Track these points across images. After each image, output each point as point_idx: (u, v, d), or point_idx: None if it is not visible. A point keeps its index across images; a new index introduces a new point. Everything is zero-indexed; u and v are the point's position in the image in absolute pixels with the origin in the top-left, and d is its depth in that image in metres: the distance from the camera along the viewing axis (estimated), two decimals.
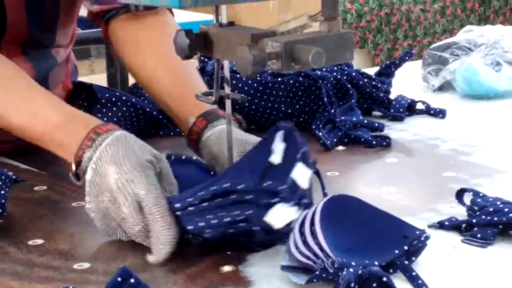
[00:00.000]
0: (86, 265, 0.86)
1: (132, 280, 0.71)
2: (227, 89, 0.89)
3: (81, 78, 1.42)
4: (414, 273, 0.80)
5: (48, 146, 0.98)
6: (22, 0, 1.16)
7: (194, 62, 1.22)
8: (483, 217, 0.91)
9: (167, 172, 0.93)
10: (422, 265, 0.84)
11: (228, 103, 0.89)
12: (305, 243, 0.79)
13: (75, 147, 0.93)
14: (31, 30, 1.19)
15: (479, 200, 0.95)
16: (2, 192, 0.97)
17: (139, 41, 1.20)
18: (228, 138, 0.93)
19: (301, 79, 1.34)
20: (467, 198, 0.98)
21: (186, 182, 0.93)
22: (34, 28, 1.19)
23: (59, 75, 1.29)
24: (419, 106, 1.45)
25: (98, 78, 1.42)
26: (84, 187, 0.92)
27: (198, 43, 0.86)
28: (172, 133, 1.36)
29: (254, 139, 1.01)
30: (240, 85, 1.31)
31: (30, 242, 0.93)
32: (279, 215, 0.83)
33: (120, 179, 0.88)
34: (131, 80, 1.61)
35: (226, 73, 0.89)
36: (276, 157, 0.85)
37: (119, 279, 0.71)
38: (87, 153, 0.92)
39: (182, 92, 1.13)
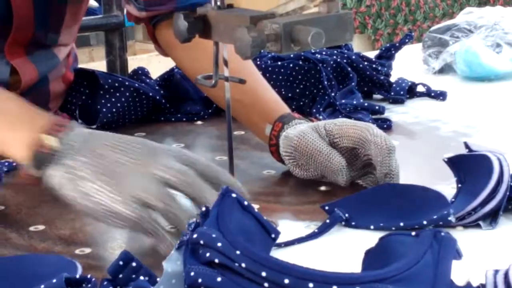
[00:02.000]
0: (87, 250, 0.86)
1: (133, 264, 0.71)
2: (226, 72, 0.89)
3: (81, 66, 1.41)
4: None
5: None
6: (30, 2, 1.14)
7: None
8: None
9: None
10: None
11: (227, 86, 0.89)
12: None
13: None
14: (36, 31, 1.18)
15: None
16: None
17: (189, 45, 0.98)
18: (228, 127, 0.92)
19: (300, 62, 1.34)
20: None
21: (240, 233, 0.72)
22: (39, 29, 1.18)
23: (59, 70, 1.29)
24: (420, 88, 1.45)
25: (98, 65, 1.42)
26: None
27: (197, 26, 0.86)
28: (173, 119, 1.35)
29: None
30: None
31: (32, 228, 0.92)
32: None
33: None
34: (131, 67, 1.61)
35: (225, 55, 0.88)
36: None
37: (120, 263, 0.71)
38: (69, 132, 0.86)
39: (252, 99, 1.10)
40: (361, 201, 0.92)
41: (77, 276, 0.69)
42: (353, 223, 0.89)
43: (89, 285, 0.67)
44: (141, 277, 0.69)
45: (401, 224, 0.86)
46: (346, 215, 0.89)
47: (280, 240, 0.81)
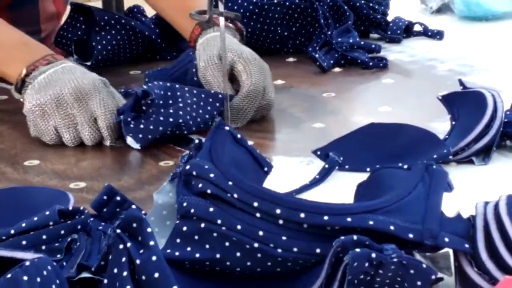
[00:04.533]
0: (82, 184, 0.86)
1: (118, 198, 0.71)
2: (221, 7, 0.88)
3: None
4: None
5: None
6: None
7: None
8: None
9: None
10: None
11: (221, 20, 0.88)
12: None
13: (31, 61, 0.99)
14: None
15: None
16: None
17: None
18: (224, 64, 0.91)
19: (297, 1, 1.32)
20: None
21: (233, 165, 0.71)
22: None
23: None
24: (417, 28, 1.44)
25: (93, 4, 1.40)
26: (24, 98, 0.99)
27: None
28: (169, 57, 1.35)
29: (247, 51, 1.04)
30: (235, 7, 1.30)
31: (26, 163, 0.93)
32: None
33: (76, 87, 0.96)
34: (126, 5, 1.60)
35: None
36: None
37: (104, 197, 0.71)
38: (42, 68, 0.98)
39: (183, 4, 1.20)
40: (352, 143, 0.90)
41: (70, 208, 0.69)
42: (346, 167, 0.88)
43: (82, 216, 0.67)
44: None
45: (400, 165, 0.84)
46: (341, 158, 0.89)
47: (274, 175, 0.81)
